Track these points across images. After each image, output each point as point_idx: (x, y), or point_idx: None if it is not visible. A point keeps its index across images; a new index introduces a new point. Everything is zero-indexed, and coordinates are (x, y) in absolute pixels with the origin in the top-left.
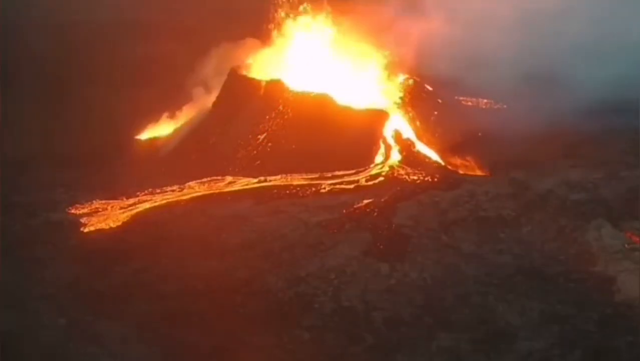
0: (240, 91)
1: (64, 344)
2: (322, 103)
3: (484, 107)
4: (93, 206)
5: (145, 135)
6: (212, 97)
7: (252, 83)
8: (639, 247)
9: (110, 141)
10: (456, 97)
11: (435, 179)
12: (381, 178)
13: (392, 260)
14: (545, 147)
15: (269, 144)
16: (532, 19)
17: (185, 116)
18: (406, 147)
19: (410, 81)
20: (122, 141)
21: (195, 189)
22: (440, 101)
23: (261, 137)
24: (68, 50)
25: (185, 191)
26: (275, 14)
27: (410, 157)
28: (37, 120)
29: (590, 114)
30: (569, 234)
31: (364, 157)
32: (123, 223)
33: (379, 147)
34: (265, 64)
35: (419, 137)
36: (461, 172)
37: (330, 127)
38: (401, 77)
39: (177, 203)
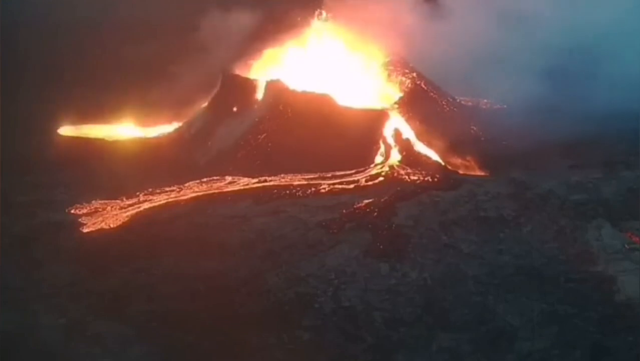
0: (238, 91)
1: (64, 344)
2: (322, 103)
3: (484, 107)
4: (93, 206)
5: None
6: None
7: (251, 83)
8: (639, 247)
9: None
10: (456, 97)
11: (435, 179)
12: (381, 178)
13: (392, 260)
14: (545, 147)
15: (269, 144)
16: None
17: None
18: (406, 147)
19: (410, 81)
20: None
21: (195, 189)
22: (439, 101)
23: (261, 137)
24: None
25: (185, 191)
26: None
27: (410, 157)
28: None
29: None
30: (569, 234)
31: (364, 157)
32: (123, 223)
33: (379, 147)
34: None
35: (419, 137)
36: (461, 172)
37: (330, 127)
38: (401, 78)
39: (177, 203)
